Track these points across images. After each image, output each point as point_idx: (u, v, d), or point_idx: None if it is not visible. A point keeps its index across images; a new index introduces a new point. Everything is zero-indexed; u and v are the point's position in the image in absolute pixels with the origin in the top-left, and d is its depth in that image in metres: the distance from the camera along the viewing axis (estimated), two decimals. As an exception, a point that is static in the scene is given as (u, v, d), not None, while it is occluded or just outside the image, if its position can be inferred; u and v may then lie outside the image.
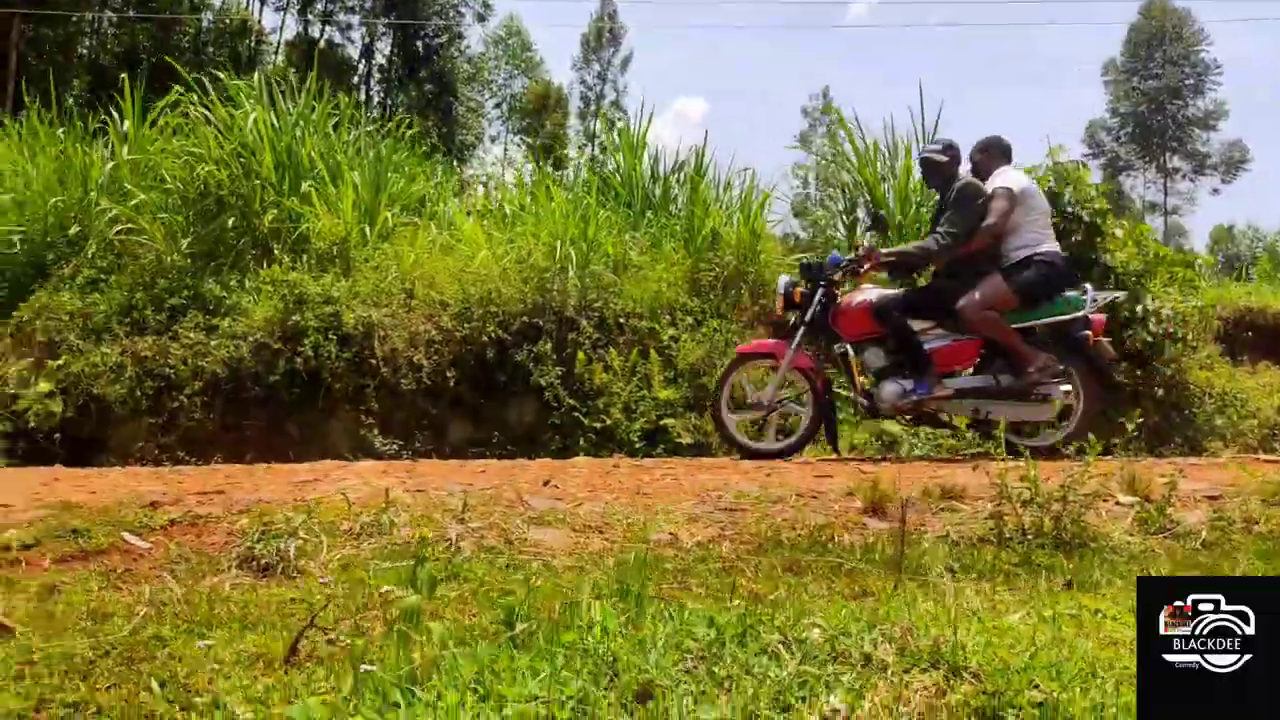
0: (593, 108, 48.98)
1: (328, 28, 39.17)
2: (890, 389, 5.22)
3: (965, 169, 5.61)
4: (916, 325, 5.32)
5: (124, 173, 8.27)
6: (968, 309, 5.12)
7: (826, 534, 2.64)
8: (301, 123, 8.21)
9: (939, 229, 5.26)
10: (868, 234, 5.83)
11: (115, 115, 8.76)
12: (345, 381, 6.90)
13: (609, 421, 6.90)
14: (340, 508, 2.69)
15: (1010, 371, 5.20)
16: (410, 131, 9.23)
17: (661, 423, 6.82)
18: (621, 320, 7.38)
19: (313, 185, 7.82)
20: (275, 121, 7.99)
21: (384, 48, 41.13)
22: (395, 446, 6.73)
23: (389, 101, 38.63)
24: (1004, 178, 5.39)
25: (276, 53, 36.45)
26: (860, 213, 8.31)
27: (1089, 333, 5.21)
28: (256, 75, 8.95)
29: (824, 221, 9.09)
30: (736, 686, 1.28)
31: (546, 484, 3.29)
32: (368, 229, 7.82)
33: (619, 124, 10.40)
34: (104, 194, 8.08)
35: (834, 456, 5.61)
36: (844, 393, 5.96)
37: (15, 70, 25.06)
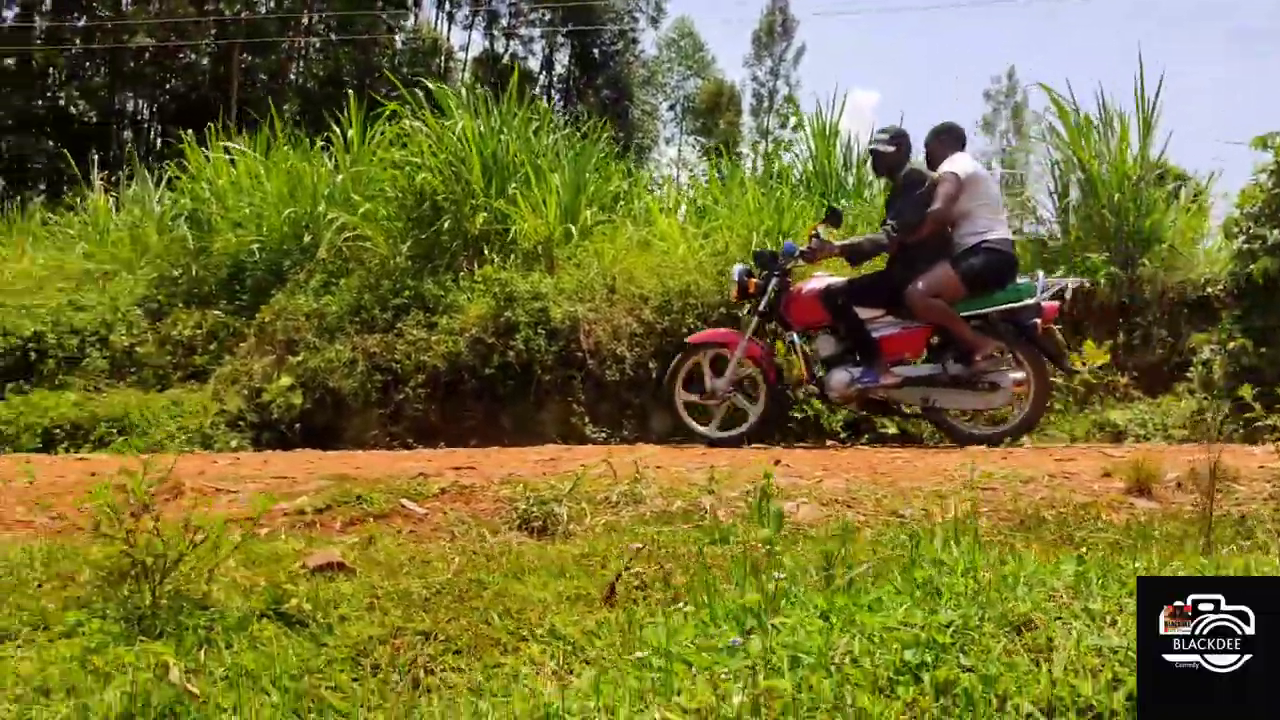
0: (765, 104, 48.69)
1: (511, 42, 40.81)
2: (839, 377, 5.27)
3: (920, 158, 5.67)
4: (866, 313, 5.37)
5: (348, 184, 8.93)
6: (913, 296, 5.14)
7: (1092, 512, 2.54)
8: (504, 129, 8.60)
9: (888, 219, 5.35)
10: (821, 225, 5.61)
11: (337, 130, 9.51)
12: (554, 373, 7.18)
13: (810, 412, 6.85)
14: (595, 482, 2.83)
15: (959, 360, 5.19)
16: (604, 134, 9.48)
17: (865, 414, 6.70)
18: (821, 309, 7.31)
19: (517, 189, 8.19)
20: (481, 129, 8.40)
21: (562, 58, 42.57)
22: (604, 434, 6.95)
23: (569, 110, 39.88)
24: (951, 163, 5.34)
25: (464, 69, 38.34)
26: (1074, 193, 7.88)
27: (1038, 320, 5.17)
28: (461, 89, 9.44)
29: (1030, 204, 8.68)
30: (1115, 620, 1.29)
31: (778, 463, 3.33)
32: (570, 228, 8.10)
33: (803, 114, 10.29)
34: (331, 204, 8.77)
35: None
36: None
37: (236, 95, 27.60)
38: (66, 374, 8.71)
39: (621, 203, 9.35)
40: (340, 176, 8.94)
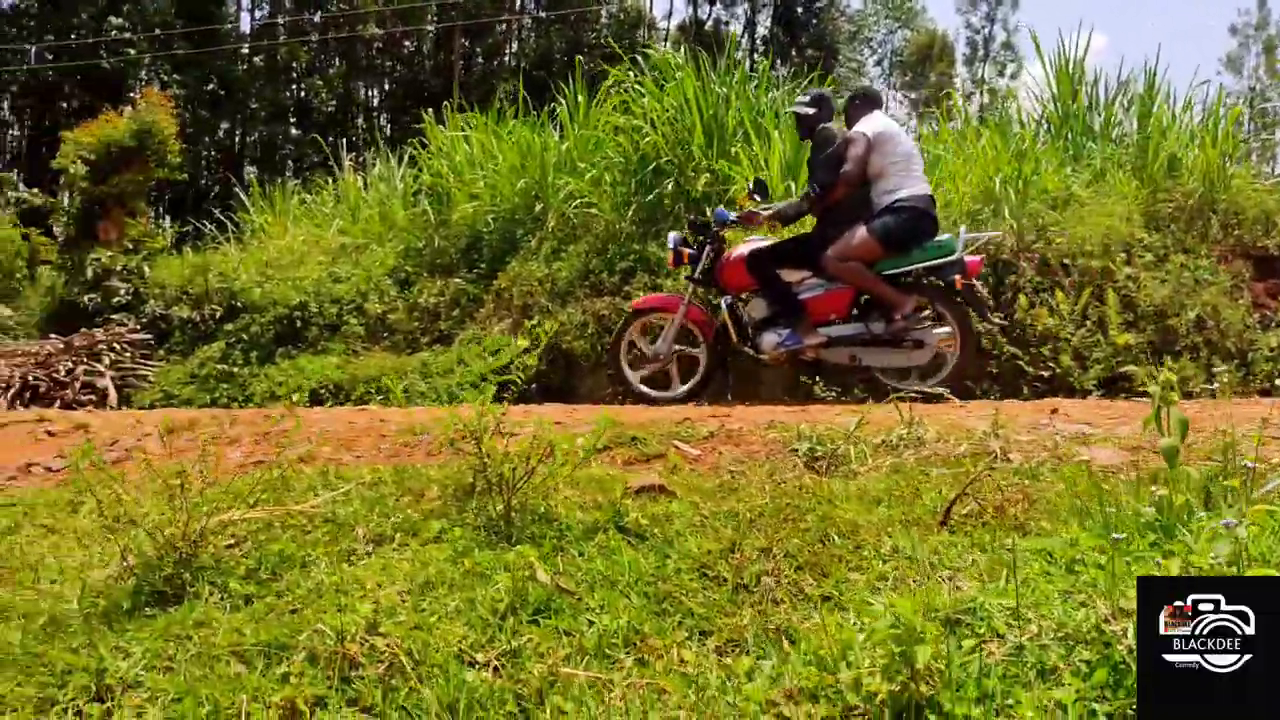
0: (980, 53, 45.99)
1: (714, 7, 40.61)
2: (768, 339, 5.49)
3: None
4: (792, 276, 5.53)
5: (573, 152, 9.22)
6: (829, 260, 5.27)
7: None
8: (723, 88, 8.57)
9: (810, 183, 5.53)
10: (751, 196, 5.86)
11: (561, 102, 9.83)
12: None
13: (1057, 370, 6.47)
14: (867, 428, 2.81)
15: (882, 318, 5.31)
16: (827, 84, 9.26)
17: (1121, 369, 6.25)
18: (1066, 261, 6.85)
19: (739, 148, 8.16)
20: (700, 90, 8.42)
21: (764, 20, 41.91)
22: (834, 393, 6.86)
23: (773, 72, 39.34)
24: (861, 123, 5.42)
25: (665, 39, 38.58)
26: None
27: (959, 276, 5.23)
28: (682, 49, 9.48)
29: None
30: None
31: (1054, 412, 3.17)
32: (792, 185, 7.99)
33: (1044, 53, 9.60)
34: (559, 173, 9.08)
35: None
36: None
37: (457, 78, 29.15)
38: (328, 339, 9.56)
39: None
40: (566, 145, 9.23)
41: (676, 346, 5.81)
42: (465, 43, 33.40)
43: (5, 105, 31.66)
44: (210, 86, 28.00)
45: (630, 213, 8.35)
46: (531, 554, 1.70)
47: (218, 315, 10.39)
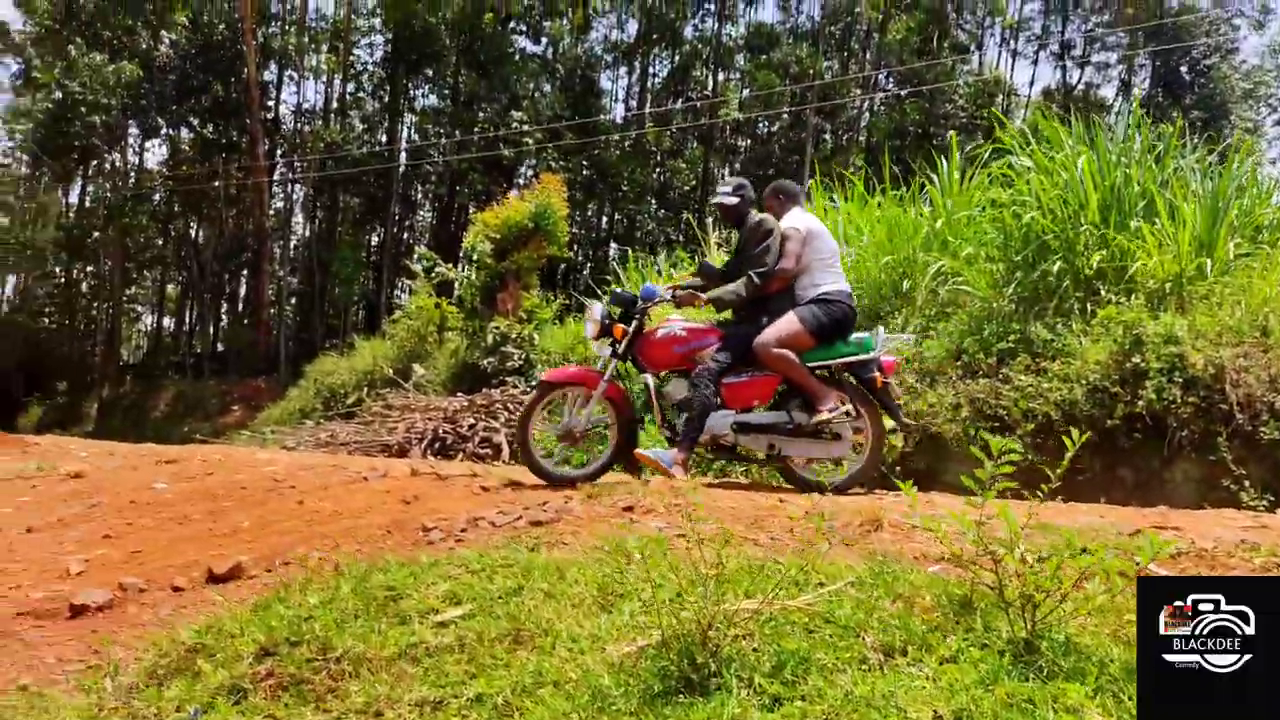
0: None
1: (1085, 70, 38.15)
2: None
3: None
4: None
5: (945, 229, 8.96)
6: (763, 348, 5.17)
7: None
8: (1124, 159, 7.92)
9: (750, 271, 5.30)
10: (691, 276, 5.95)
11: (930, 177, 9.63)
12: (1192, 427, 6.36)
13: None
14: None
15: (804, 409, 5.26)
16: (1244, 154, 8.24)
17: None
18: None
19: (1140, 221, 7.47)
20: (1098, 161, 7.84)
21: (1139, 80, 38.57)
22: (1266, 502, 5.94)
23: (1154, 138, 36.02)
24: (795, 218, 5.49)
25: (1026, 107, 36.70)
26: None
27: (879, 375, 5.27)
28: (1074, 124, 8.91)
29: None
30: None
31: None
32: (1205, 262, 7.16)
33: None
34: (928, 249, 8.85)
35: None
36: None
37: (810, 154, 29.77)
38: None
39: (1267, 232, 8.03)
40: (939, 222, 8.99)
41: (592, 422, 5.43)
42: (818, 120, 34.04)
43: (420, 191, 37.08)
44: (586, 171, 30.92)
45: (1010, 291, 7.91)
46: (1076, 692, 1.56)
47: (593, 380, 11.24)
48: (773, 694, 1.67)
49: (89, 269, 39.95)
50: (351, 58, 34.60)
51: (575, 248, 34.12)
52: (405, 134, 34.96)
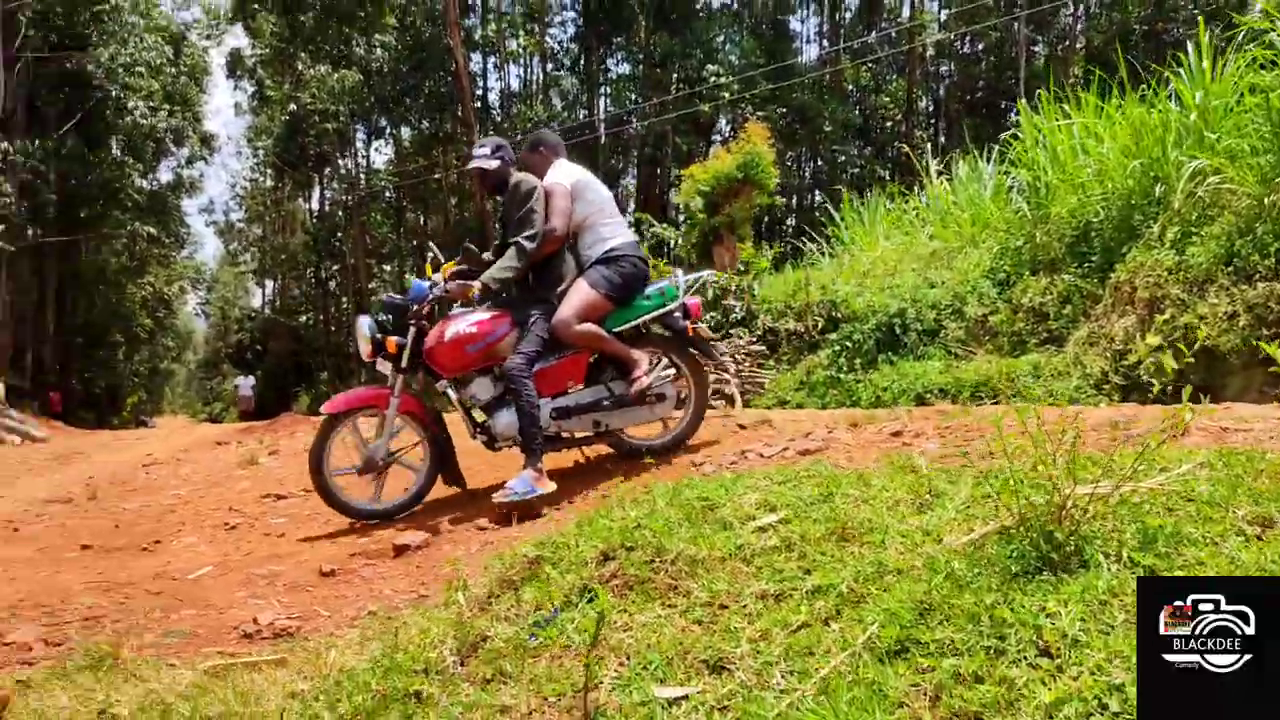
0: None
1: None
2: (505, 420, 4.72)
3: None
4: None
5: (1199, 123, 8.17)
6: (561, 328, 4.67)
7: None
8: None
9: (517, 239, 4.67)
10: (454, 266, 5.05)
11: (1168, 75, 8.80)
12: None
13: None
14: None
15: (621, 378, 4.85)
16: None
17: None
18: None
19: None
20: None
21: None
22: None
23: None
24: (557, 172, 4.96)
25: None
26: None
27: (689, 322, 4.98)
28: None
29: None
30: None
31: None
32: None
33: None
34: (1180, 147, 8.11)
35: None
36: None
37: (1023, 70, 27.83)
38: (927, 344, 9.69)
39: None
40: (1192, 116, 8.21)
41: (395, 446, 4.90)
42: (1028, 32, 31.65)
43: (620, 160, 37.82)
44: (785, 118, 30.39)
45: (1284, 184, 7.12)
46: None
47: (819, 326, 11.17)
48: (1147, 565, 1.66)
49: (335, 267, 43.77)
50: (548, 37, 35.72)
51: (781, 195, 33.74)
52: (602, 105, 35.73)
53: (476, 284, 4.61)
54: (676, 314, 4.96)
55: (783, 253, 15.01)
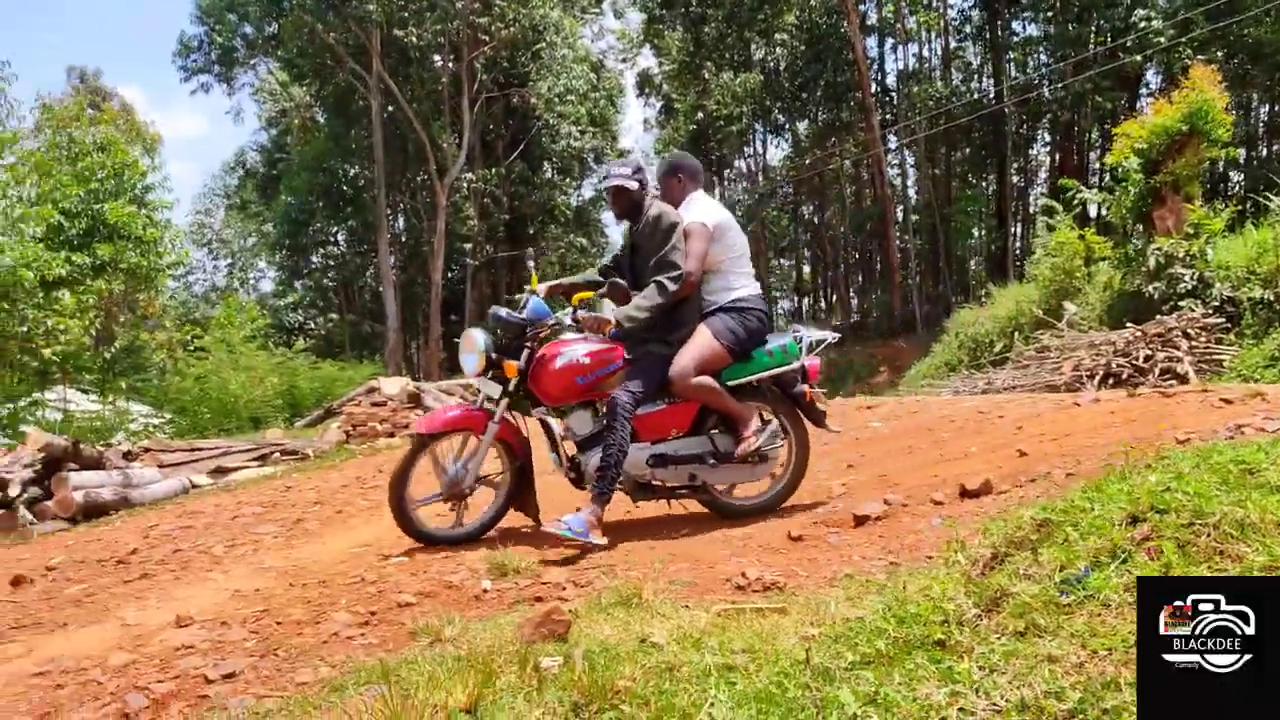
0: None
1: None
2: (598, 460, 4.35)
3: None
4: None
5: None
6: (679, 379, 4.39)
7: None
8: None
9: (660, 279, 4.38)
10: (598, 296, 4.70)
11: None
12: None
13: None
14: None
15: (728, 434, 4.58)
16: None
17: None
18: None
19: None
20: None
21: None
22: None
23: None
24: (699, 208, 4.60)
25: None
26: None
27: (807, 387, 4.69)
28: None
29: None
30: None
31: None
32: None
33: None
34: None
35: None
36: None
37: None
38: None
39: None
40: None
41: (482, 472, 4.56)
42: None
43: (1028, 128, 35.16)
44: (1232, 60, 26.29)
45: None
46: None
47: (1292, 292, 9.66)
48: None
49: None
50: (949, 6, 34.32)
51: (1234, 146, 29.30)
52: (1008, 73, 33.54)
53: (611, 320, 4.41)
54: (794, 376, 4.70)
55: (1240, 211, 13.09)
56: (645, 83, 46.04)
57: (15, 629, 3.75)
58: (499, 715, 2.11)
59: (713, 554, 4.02)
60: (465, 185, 31.23)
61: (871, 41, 35.30)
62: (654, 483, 4.56)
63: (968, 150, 35.53)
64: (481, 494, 4.66)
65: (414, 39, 28.18)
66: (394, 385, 15.50)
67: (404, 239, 36.70)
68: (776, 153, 46.91)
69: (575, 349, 4.46)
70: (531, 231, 36.54)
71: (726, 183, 45.06)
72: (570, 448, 4.58)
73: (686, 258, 4.43)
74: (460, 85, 30.62)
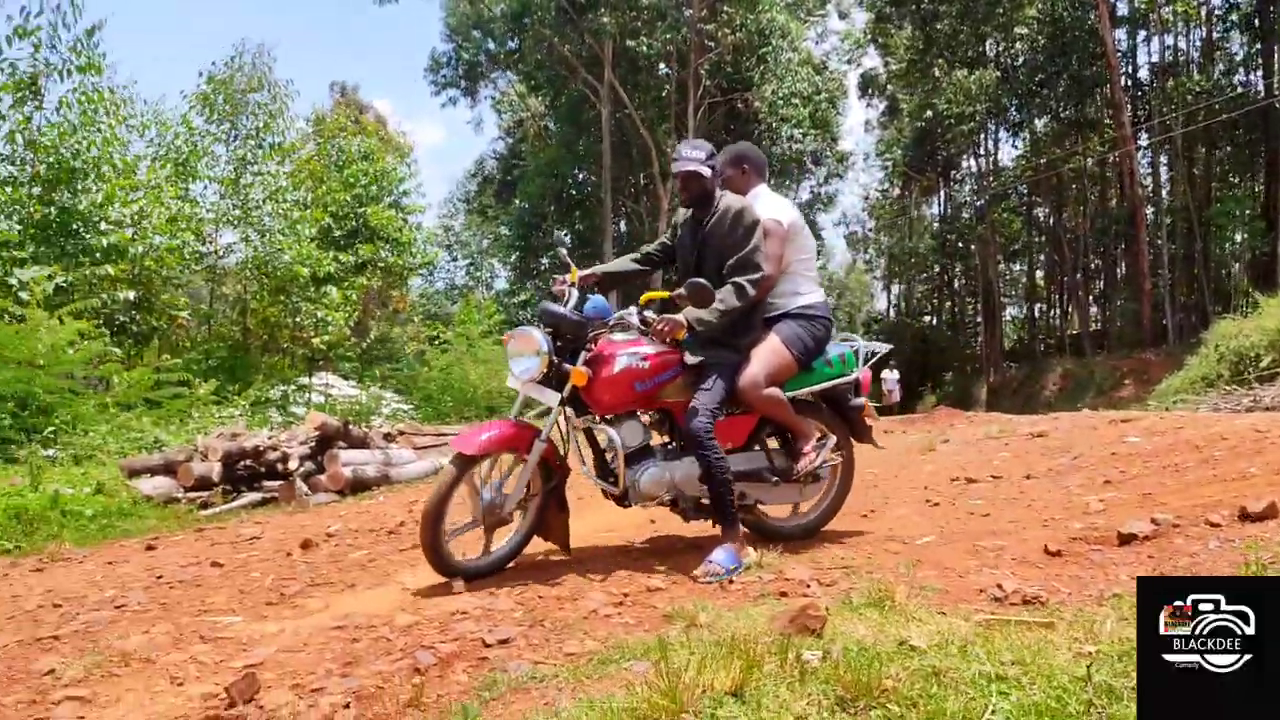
0: None
1: None
2: (652, 474, 3.99)
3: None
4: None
5: None
6: (751, 389, 4.04)
7: None
8: None
9: (742, 279, 3.97)
10: (677, 296, 3.94)
11: None
12: None
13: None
14: None
15: (784, 449, 4.36)
16: None
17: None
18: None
19: None
20: None
21: None
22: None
23: None
24: (771, 205, 4.29)
25: None
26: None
27: (863, 400, 4.50)
28: None
29: None
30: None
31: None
32: None
33: None
34: None
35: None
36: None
37: None
38: None
39: None
40: None
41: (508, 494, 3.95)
42: None
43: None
44: None
45: None
46: None
47: None
48: None
49: (959, 267, 43.75)
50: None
51: None
52: (1281, 64, 30.10)
53: (684, 322, 3.94)
54: (850, 388, 4.47)
55: None
56: (869, 83, 44.96)
57: (311, 586, 4.20)
58: (764, 701, 2.17)
59: (962, 563, 3.92)
60: (691, 194, 31.66)
61: (1120, 33, 32.75)
62: (704, 501, 4.12)
63: (1229, 149, 32.28)
64: None
65: (644, 48, 28.96)
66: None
67: (625, 240, 37.86)
68: (1009, 151, 44.58)
69: (635, 351, 4.00)
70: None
71: (953, 184, 43.24)
72: (617, 464, 4.01)
73: (764, 258, 4.08)
74: (685, 91, 31.15)
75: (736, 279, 3.98)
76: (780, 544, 4.18)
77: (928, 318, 47.70)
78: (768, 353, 4.12)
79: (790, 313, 4.26)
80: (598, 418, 4.05)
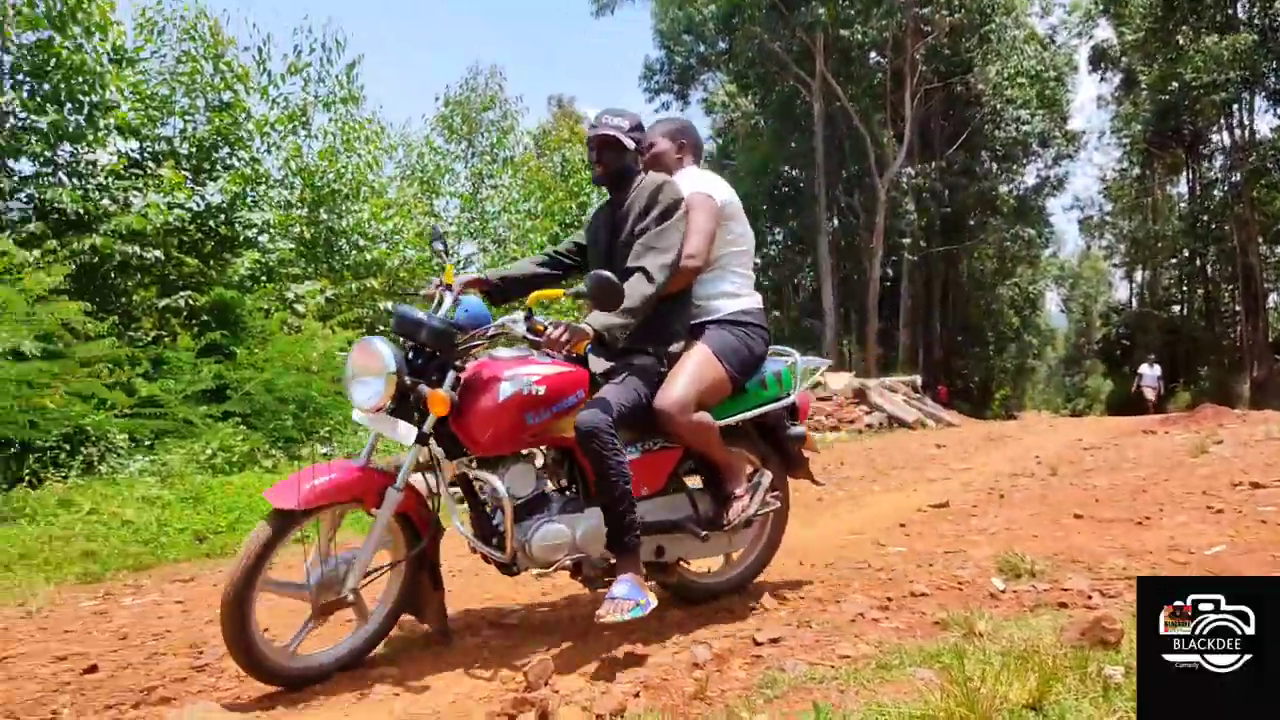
0: None
1: None
2: (548, 533, 3.01)
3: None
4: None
5: None
6: (676, 413, 3.15)
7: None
8: None
9: (645, 262, 3.13)
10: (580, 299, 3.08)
11: None
12: None
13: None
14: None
15: (711, 492, 3.46)
16: None
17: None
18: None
19: None
20: None
21: None
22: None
23: None
24: (700, 180, 3.47)
25: None
26: None
27: (803, 429, 3.72)
28: None
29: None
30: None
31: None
32: None
33: None
34: None
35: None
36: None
37: None
38: None
39: None
40: None
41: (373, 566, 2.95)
42: None
43: None
44: None
45: None
46: None
47: None
48: None
49: (1213, 251, 39.82)
50: None
51: None
52: None
53: (589, 331, 2.96)
54: (787, 412, 3.71)
55: None
56: (1101, 56, 41.78)
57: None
58: (1066, 716, 2.17)
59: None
60: (904, 180, 30.87)
61: None
62: (612, 561, 3.20)
63: None
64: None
65: (858, 37, 28.42)
66: (839, 380, 15.87)
67: (840, 237, 37.29)
68: (1269, 121, 40.07)
69: (524, 372, 3.07)
70: (971, 224, 35.08)
71: (1202, 160, 39.41)
72: (504, 519, 3.02)
73: (688, 236, 3.29)
74: (900, 79, 30.27)
75: (643, 262, 3.17)
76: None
77: (1176, 307, 43.65)
78: (696, 367, 3.29)
79: (723, 319, 3.46)
80: (474, 460, 3.10)
